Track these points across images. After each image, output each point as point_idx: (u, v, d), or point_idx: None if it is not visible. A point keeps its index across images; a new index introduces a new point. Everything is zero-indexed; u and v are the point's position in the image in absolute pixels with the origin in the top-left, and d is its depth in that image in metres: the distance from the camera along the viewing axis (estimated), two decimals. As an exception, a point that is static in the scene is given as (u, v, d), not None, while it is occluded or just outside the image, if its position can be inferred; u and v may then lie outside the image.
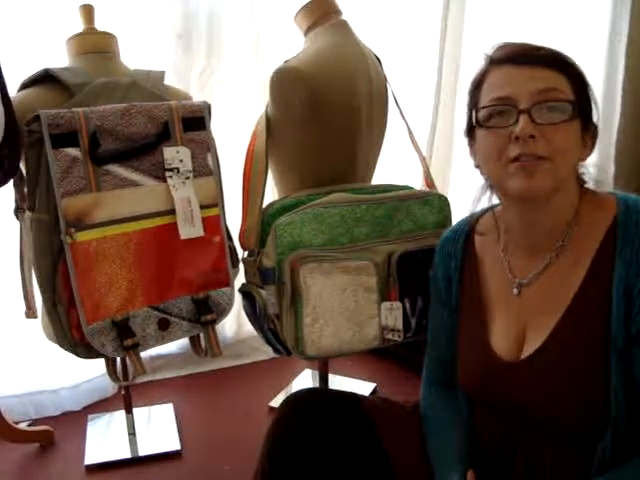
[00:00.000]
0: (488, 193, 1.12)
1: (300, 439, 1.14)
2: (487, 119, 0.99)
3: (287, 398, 1.22)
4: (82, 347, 1.47)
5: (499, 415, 1.08)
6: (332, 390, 1.37)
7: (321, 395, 1.26)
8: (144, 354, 1.57)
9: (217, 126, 1.71)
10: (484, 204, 1.15)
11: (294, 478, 1.12)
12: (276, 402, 2.14)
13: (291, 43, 1.90)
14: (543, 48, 1.00)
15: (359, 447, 1.16)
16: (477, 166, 1.08)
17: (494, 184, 1.06)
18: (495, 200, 1.12)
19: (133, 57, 1.78)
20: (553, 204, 1.00)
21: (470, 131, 1.07)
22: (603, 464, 0.94)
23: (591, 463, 0.95)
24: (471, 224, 1.21)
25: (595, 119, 1.01)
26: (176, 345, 2.32)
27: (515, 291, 1.07)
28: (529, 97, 0.94)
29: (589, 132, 1.01)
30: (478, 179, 1.11)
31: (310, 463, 1.13)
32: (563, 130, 0.94)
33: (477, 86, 1.04)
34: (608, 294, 0.94)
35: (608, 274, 0.94)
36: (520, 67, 0.97)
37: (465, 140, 1.10)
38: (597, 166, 1.05)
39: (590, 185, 1.06)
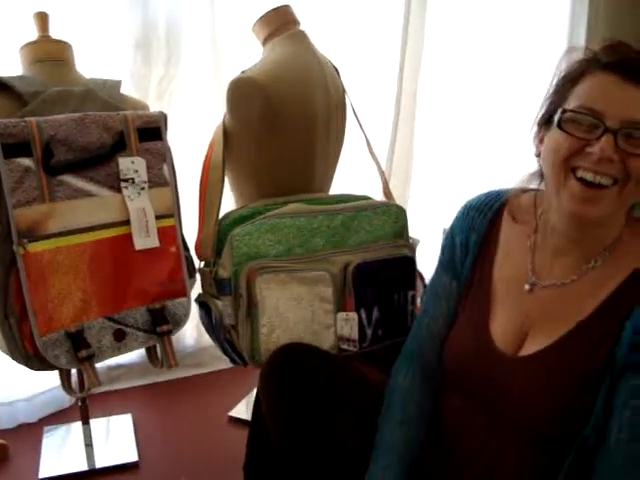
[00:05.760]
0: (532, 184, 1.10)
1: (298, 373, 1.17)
2: (568, 123, 0.95)
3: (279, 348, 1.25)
4: (35, 359, 1.45)
5: (471, 404, 1.09)
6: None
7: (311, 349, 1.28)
8: (103, 363, 1.56)
9: (175, 135, 1.70)
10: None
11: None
12: (236, 412, 2.13)
13: (250, 53, 1.90)
14: None
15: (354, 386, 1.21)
16: (537, 155, 1.05)
17: (549, 186, 1.02)
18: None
19: (91, 66, 1.77)
20: (604, 224, 0.99)
21: (544, 123, 1.03)
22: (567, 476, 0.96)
23: (552, 471, 0.97)
24: (504, 201, 1.16)
25: None
26: (136, 355, 2.29)
27: (527, 287, 1.07)
28: (620, 120, 0.91)
29: None
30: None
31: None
32: None
33: (571, 82, 0.98)
34: (622, 325, 0.94)
35: (630, 305, 0.95)
36: (625, 83, 0.91)
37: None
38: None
39: None
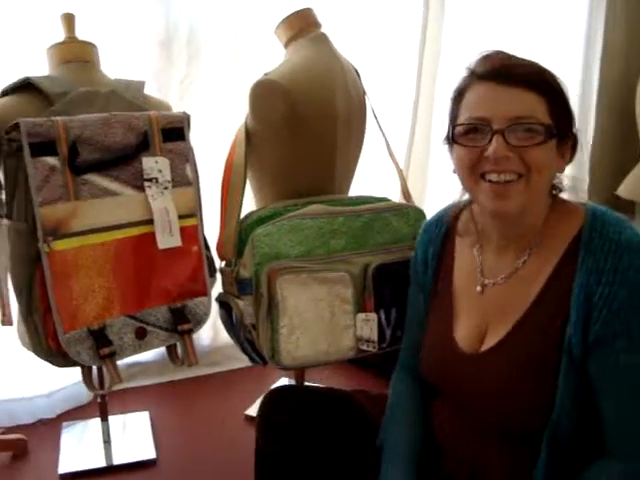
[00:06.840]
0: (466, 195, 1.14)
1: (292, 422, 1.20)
2: (462, 135, 1.02)
3: (271, 390, 1.27)
4: (58, 356, 1.47)
5: (451, 406, 1.13)
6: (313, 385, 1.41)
7: (304, 389, 1.31)
8: (121, 361, 1.57)
9: (197, 136, 1.71)
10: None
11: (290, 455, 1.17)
12: (252, 410, 2.14)
13: (271, 54, 1.92)
14: (525, 65, 1.01)
15: (351, 429, 1.22)
16: (454, 172, 1.10)
17: (468, 193, 1.09)
18: None
19: (115, 66, 1.79)
20: (524, 214, 1.03)
21: (448, 141, 1.09)
22: (545, 465, 0.97)
23: (533, 463, 0.98)
24: (453, 215, 1.22)
25: (575, 129, 1.03)
26: (153, 352, 2.31)
27: (478, 289, 1.11)
28: (504, 120, 0.96)
29: (566, 144, 1.02)
30: (455, 190, 1.14)
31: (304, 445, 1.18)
32: (537, 150, 0.96)
33: (457, 98, 1.06)
34: (567, 301, 0.97)
35: (569, 281, 0.98)
36: (500, 87, 0.98)
37: (444, 147, 1.12)
38: (572, 177, 1.07)
39: (564, 194, 1.09)
